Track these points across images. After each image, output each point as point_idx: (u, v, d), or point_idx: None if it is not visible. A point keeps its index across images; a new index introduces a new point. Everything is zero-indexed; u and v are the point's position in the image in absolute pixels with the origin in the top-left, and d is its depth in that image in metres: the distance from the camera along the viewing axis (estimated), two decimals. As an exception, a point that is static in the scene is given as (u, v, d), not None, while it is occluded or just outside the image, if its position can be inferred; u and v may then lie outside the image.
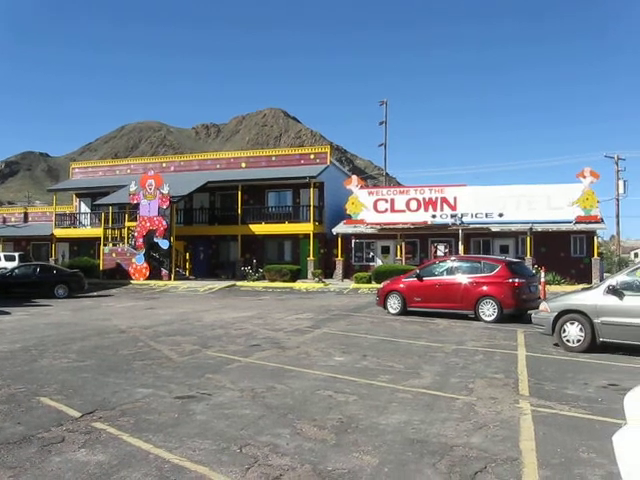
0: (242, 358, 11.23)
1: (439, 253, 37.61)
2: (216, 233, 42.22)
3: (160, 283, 35.34)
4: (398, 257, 37.75)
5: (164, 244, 36.97)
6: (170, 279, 36.52)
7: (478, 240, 37.49)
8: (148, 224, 37.40)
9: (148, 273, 37.08)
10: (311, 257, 38.67)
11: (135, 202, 38.15)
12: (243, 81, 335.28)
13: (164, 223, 37.12)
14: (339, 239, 38.44)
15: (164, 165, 46.86)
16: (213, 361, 10.97)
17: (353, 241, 39.97)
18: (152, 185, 37.64)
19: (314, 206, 39.71)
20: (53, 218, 47.31)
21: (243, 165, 44.05)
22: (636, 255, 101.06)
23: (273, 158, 44.29)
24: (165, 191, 37.10)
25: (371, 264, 38.86)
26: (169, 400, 8.01)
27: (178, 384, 8.98)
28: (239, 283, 35.20)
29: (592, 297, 11.97)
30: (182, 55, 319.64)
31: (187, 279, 37.75)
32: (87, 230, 45.36)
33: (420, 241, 38.71)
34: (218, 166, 44.77)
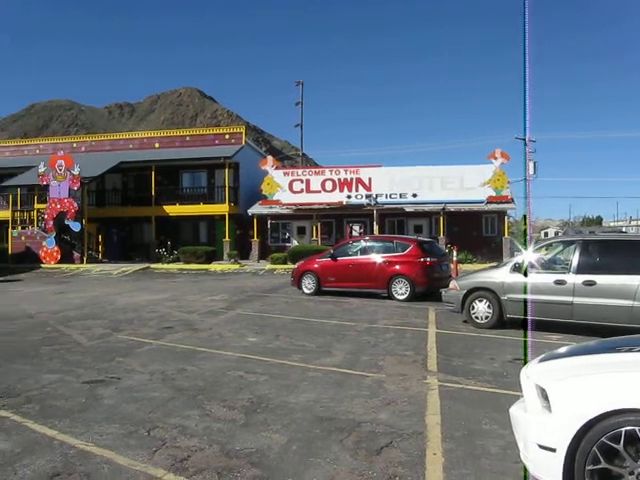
0: (153, 341, 11.05)
1: (354, 233, 37.98)
2: (130, 215, 41.11)
3: (72, 267, 34.26)
4: (314, 237, 37.85)
5: (75, 226, 35.85)
6: (82, 262, 35.44)
7: (393, 220, 38.05)
8: (58, 206, 36.09)
9: (59, 256, 35.83)
10: (227, 238, 38.28)
11: (45, 183, 36.73)
12: (159, 59, 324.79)
13: (75, 205, 35.93)
14: (255, 220, 38.21)
15: (75, 145, 45.21)
16: (124, 344, 10.73)
17: (269, 222, 39.82)
18: (62, 166, 36.30)
19: (229, 187, 39.29)
20: (-45, 200, 44.92)
21: (157, 145, 43.07)
22: (546, 234, 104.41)
23: (187, 138, 43.45)
24: (76, 172, 35.88)
25: (287, 245, 38.89)
26: (77, 385, 7.80)
27: (87, 369, 8.74)
28: (153, 265, 34.61)
29: (499, 275, 12.30)
30: (95, 36, 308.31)
31: (100, 262, 36.72)
32: (-7, 213, 43.45)
33: (336, 221, 38.99)
34: (131, 146, 43.60)
